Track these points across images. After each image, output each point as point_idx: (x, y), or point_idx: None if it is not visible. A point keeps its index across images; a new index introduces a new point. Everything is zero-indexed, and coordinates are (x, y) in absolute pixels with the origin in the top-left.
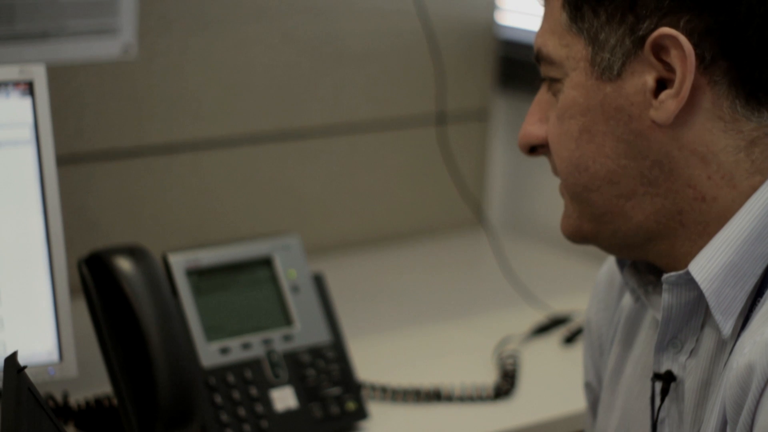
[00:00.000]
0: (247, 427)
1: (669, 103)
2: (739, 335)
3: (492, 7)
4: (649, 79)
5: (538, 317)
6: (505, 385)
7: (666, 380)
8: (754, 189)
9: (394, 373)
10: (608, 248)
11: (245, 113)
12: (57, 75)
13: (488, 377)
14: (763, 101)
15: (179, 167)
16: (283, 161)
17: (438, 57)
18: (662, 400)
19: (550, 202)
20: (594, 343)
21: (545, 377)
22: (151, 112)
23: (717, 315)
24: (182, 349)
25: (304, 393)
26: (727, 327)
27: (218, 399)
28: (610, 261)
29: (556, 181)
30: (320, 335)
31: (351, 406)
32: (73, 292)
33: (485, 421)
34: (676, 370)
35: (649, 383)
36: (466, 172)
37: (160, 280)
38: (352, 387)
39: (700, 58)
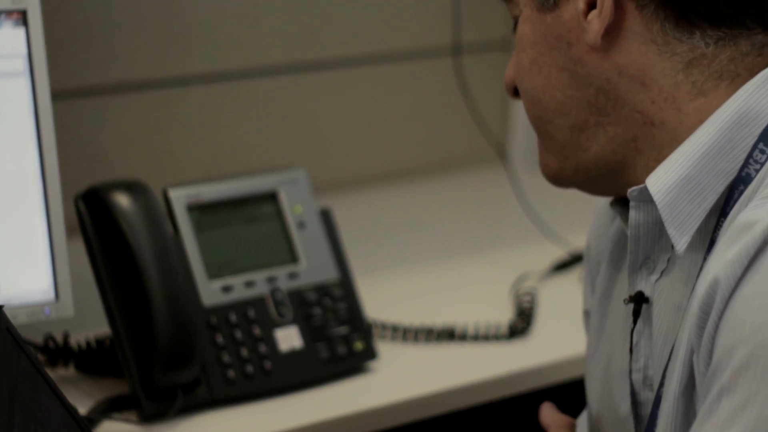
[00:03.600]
0: (249, 367)
1: (594, 23)
2: (707, 259)
3: None
4: (580, 3)
5: (559, 253)
6: (521, 323)
7: (638, 301)
8: (699, 111)
9: (405, 312)
10: (580, 185)
11: (258, 45)
12: (65, 5)
13: (504, 316)
14: (693, 22)
15: (191, 100)
16: (297, 94)
17: None
18: (634, 322)
19: None
20: (592, 270)
21: (563, 316)
22: (164, 44)
23: (670, 229)
24: (181, 287)
25: (310, 332)
26: (681, 242)
27: (220, 339)
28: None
29: None
30: (327, 273)
31: (359, 345)
32: (72, 230)
33: (499, 361)
34: (647, 291)
35: (626, 312)
36: (487, 105)
37: (159, 216)
38: (360, 326)
39: None
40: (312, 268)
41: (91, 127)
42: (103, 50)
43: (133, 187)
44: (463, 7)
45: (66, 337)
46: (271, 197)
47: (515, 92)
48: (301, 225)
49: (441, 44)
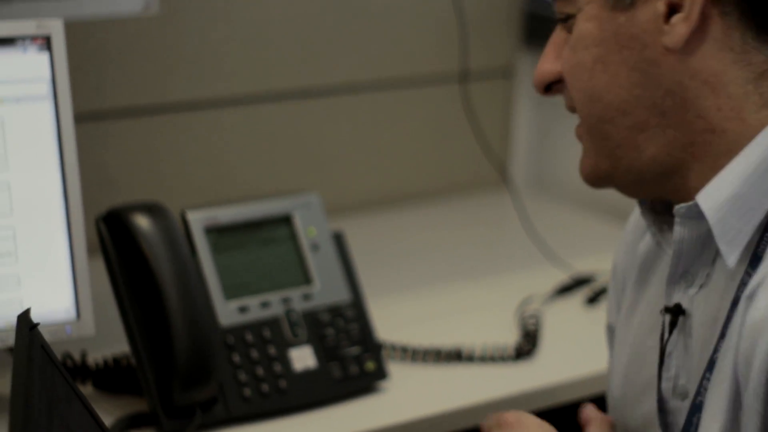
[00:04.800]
0: (265, 386)
1: (680, 26)
2: (748, 272)
3: None
4: (660, 5)
5: (561, 277)
6: (527, 345)
7: (674, 313)
8: (762, 124)
9: (414, 333)
10: (625, 187)
11: (267, 70)
12: (77, 31)
13: (510, 337)
14: None
15: (200, 125)
16: (305, 119)
17: (462, 13)
18: (670, 332)
19: (574, 162)
20: (618, 286)
21: (567, 338)
22: (172, 68)
23: (722, 245)
24: (200, 307)
25: (323, 352)
26: (731, 258)
27: (236, 358)
28: (637, 211)
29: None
30: (340, 294)
31: (370, 366)
32: (91, 250)
33: (506, 381)
34: (685, 304)
35: (661, 319)
36: (490, 130)
37: (178, 238)
38: (371, 347)
39: None
40: (325, 289)
41: (100, 151)
42: (113, 75)
43: (153, 210)
44: (470, 34)
45: (84, 355)
46: (286, 220)
47: (547, 88)
48: (314, 247)
49: (449, 70)
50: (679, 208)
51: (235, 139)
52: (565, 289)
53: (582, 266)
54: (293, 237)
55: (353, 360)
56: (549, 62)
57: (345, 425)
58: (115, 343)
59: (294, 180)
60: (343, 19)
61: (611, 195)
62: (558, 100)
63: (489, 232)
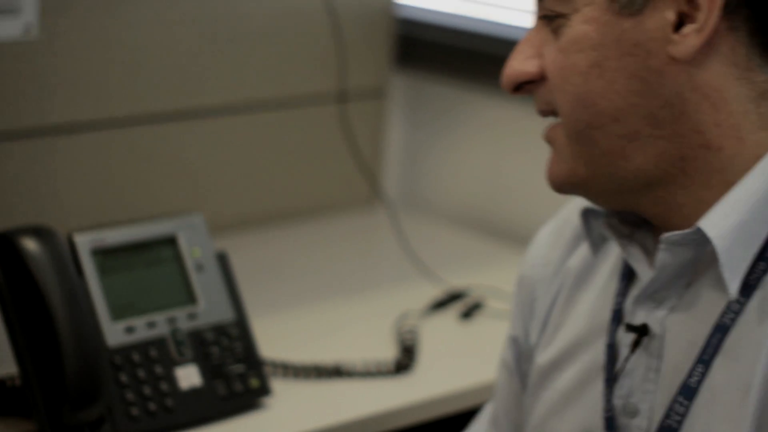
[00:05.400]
0: (152, 405)
1: (692, 37)
2: (739, 301)
3: None
4: (670, 14)
5: (435, 292)
6: (405, 360)
7: (640, 332)
8: (758, 145)
9: (295, 350)
10: (599, 194)
11: (146, 93)
12: None
13: (388, 353)
14: None
15: (81, 147)
16: (184, 141)
17: (338, 36)
18: (633, 351)
19: (445, 180)
20: (525, 299)
21: (444, 352)
22: (53, 92)
23: (726, 274)
24: (88, 328)
25: (209, 371)
26: (733, 287)
27: (124, 378)
28: (555, 223)
29: (454, 159)
30: (224, 313)
31: (254, 383)
32: None
33: (387, 395)
34: (653, 324)
35: (600, 333)
36: (366, 149)
37: (66, 260)
38: (254, 364)
39: (726, 1)
40: (210, 309)
41: None
42: None
43: (40, 232)
44: (347, 57)
45: None
46: (171, 241)
47: (517, 88)
48: (199, 268)
49: (325, 91)
50: (670, 236)
51: (115, 161)
52: (440, 305)
53: (455, 281)
54: (178, 258)
55: (238, 377)
56: (523, 61)
57: None
58: (1, 364)
59: (175, 201)
60: (221, 42)
61: (480, 211)
62: (431, 119)
63: (365, 249)
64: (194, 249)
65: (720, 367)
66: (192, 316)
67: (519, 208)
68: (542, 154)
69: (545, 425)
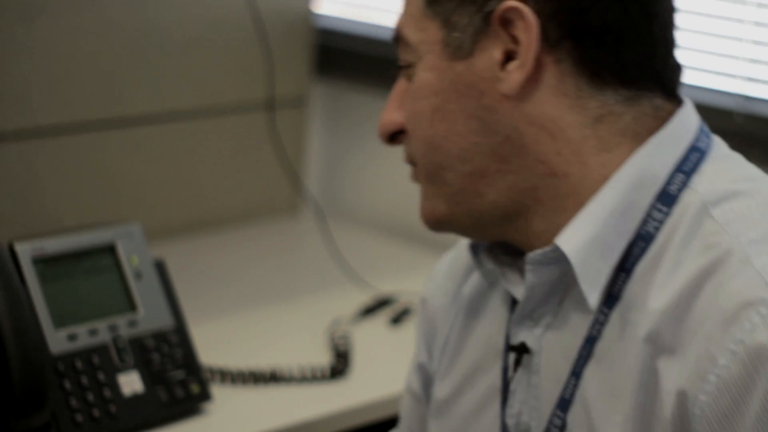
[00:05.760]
0: (96, 411)
1: (515, 73)
2: (604, 312)
3: None
4: (497, 53)
5: (364, 298)
6: (340, 365)
7: (519, 351)
8: (603, 166)
9: (232, 356)
10: (464, 230)
11: (73, 102)
12: None
13: (322, 358)
14: (606, 80)
15: (5, 157)
16: (109, 149)
17: (261, 46)
18: (515, 370)
19: (367, 186)
20: (428, 326)
21: (376, 357)
22: None
23: (584, 285)
24: (33, 336)
25: (150, 377)
26: (592, 298)
27: (67, 385)
28: (454, 252)
29: (374, 166)
30: (163, 320)
31: (195, 388)
32: None
33: (323, 400)
34: (530, 342)
35: (496, 357)
36: (291, 157)
37: (9, 268)
38: (194, 370)
39: (546, 36)
40: (149, 316)
41: None
42: None
43: None
44: (271, 66)
45: None
46: (110, 249)
47: (391, 138)
48: (138, 275)
49: (250, 99)
50: (533, 256)
51: (40, 170)
52: (369, 310)
53: (383, 287)
54: (117, 266)
55: (178, 383)
56: (391, 112)
57: None
58: None
59: (104, 209)
60: (148, 51)
61: (402, 217)
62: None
63: (294, 255)
64: (132, 257)
65: (591, 377)
66: (132, 323)
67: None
68: None
69: None
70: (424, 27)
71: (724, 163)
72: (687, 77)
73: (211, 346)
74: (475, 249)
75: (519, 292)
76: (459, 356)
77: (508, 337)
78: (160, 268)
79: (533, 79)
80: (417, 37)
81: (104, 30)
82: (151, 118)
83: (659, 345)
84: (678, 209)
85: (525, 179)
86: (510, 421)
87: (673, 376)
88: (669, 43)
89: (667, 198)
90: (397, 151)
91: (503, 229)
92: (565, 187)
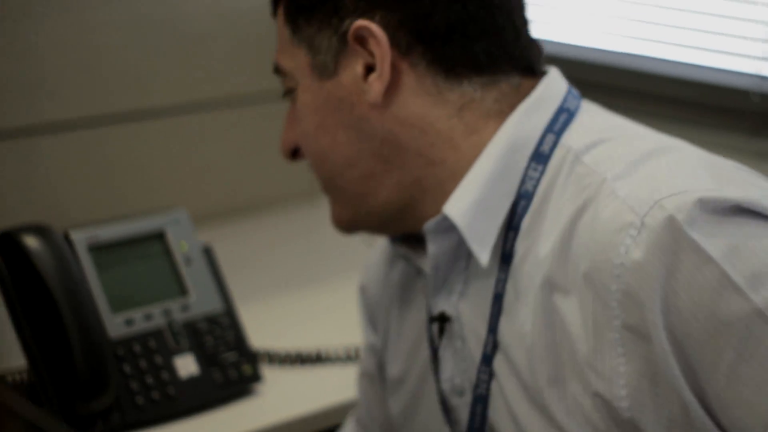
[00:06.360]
0: (155, 393)
1: (376, 83)
2: (503, 270)
3: None
4: (358, 67)
5: None
6: None
7: (440, 320)
8: (474, 146)
9: (276, 338)
10: (371, 229)
11: (102, 94)
12: None
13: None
14: (460, 73)
15: (38, 150)
16: (133, 141)
17: (272, 37)
18: (440, 338)
19: None
20: (369, 310)
21: None
22: (9, 95)
23: (473, 245)
24: (93, 321)
25: (204, 359)
26: (483, 256)
27: (127, 368)
28: (383, 242)
29: None
30: (214, 304)
31: (247, 370)
32: None
33: None
34: (449, 310)
35: (423, 334)
36: None
37: (68, 257)
38: (246, 352)
39: (396, 45)
40: (200, 300)
41: None
42: None
43: (41, 231)
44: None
45: None
46: (160, 236)
47: (293, 155)
48: (187, 261)
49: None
50: (428, 225)
51: (70, 163)
52: None
53: None
54: (167, 252)
55: (232, 365)
56: (287, 133)
57: (231, 426)
58: (9, 360)
59: (129, 201)
60: (165, 44)
61: None
62: None
63: (320, 239)
64: (182, 243)
65: (504, 329)
66: (185, 308)
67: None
68: None
69: (403, 421)
70: (294, 54)
71: (590, 118)
72: (702, 58)
73: (255, 329)
74: (392, 238)
75: (428, 266)
76: (400, 338)
77: (429, 310)
78: (208, 253)
79: (393, 85)
80: (290, 65)
81: (127, 24)
82: (173, 110)
83: (553, 286)
84: (552, 165)
85: (409, 173)
86: (445, 386)
87: (573, 312)
88: (517, 27)
89: (540, 157)
90: None
91: (404, 222)
92: (445, 173)
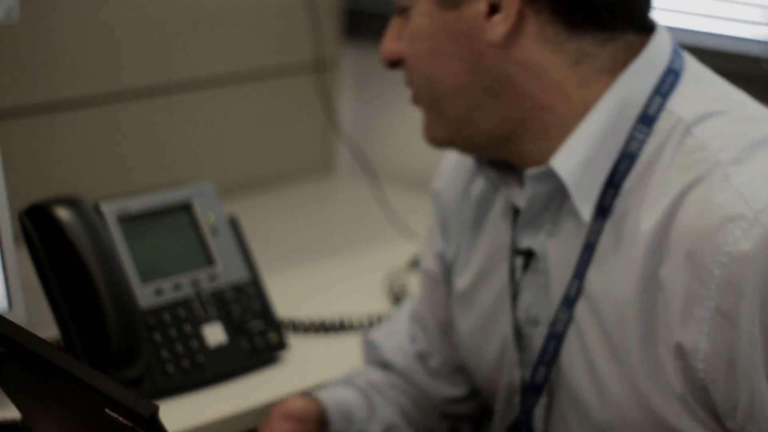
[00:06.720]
0: (185, 362)
1: (500, 25)
2: (598, 222)
3: None
4: (482, 6)
5: (413, 249)
6: None
7: (527, 255)
8: (585, 99)
9: (299, 307)
10: (463, 149)
11: (119, 70)
12: None
13: (384, 305)
14: (580, 26)
15: (59, 126)
16: (156, 115)
17: (295, 12)
18: (524, 271)
19: (400, 146)
20: (441, 217)
21: None
22: (30, 73)
23: (577, 202)
24: (125, 291)
25: (232, 328)
26: (585, 212)
27: (157, 337)
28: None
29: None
30: (240, 273)
31: (274, 338)
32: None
33: None
34: (536, 247)
35: (503, 258)
36: (349, 120)
37: (99, 228)
38: (271, 321)
39: None
40: (227, 269)
41: None
42: None
43: (73, 202)
44: (296, 32)
45: None
46: (186, 207)
47: (392, 65)
48: (214, 231)
49: (303, 61)
50: (531, 171)
51: (95, 137)
52: (418, 261)
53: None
54: (194, 223)
55: (258, 334)
56: (390, 42)
57: (259, 393)
58: (41, 330)
59: (148, 176)
60: (187, 19)
61: (428, 174)
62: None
63: (336, 211)
64: (208, 214)
65: (593, 278)
66: (212, 277)
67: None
68: None
69: (471, 339)
70: None
71: (699, 83)
72: (713, 26)
73: (279, 298)
74: (480, 159)
75: (519, 200)
76: (473, 251)
77: (513, 242)
78: (234, 224)
79: (516, 29)
80: None
81: (152, 1)
82: (190, 86)
83: (657, 256)
84: (659, 130)
85: (515, 112)
86: (521, 316)
87: (672, 281)
88: None
89: (646, 119)
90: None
91: (497, 150)
92: (552, 119)
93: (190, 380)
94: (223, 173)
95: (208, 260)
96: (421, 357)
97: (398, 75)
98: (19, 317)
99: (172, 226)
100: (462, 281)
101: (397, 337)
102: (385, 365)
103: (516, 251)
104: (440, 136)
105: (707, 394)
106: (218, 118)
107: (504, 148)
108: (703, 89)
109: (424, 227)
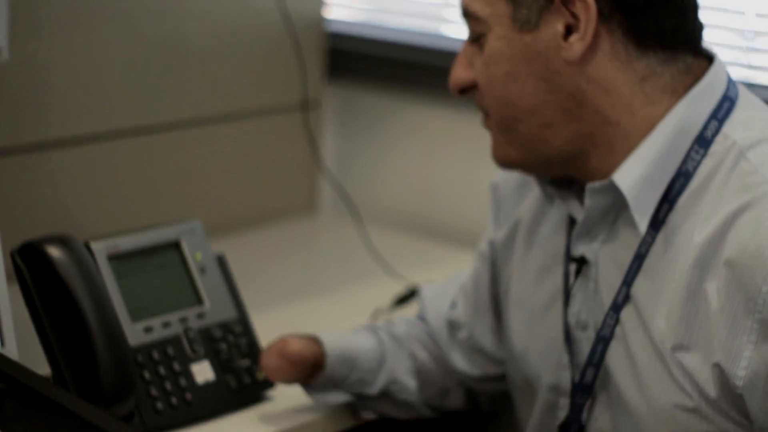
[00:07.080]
0: (174, 399)
1: (577, 44)
2: (651, 233)
3: (319, 2)
4: (560, 27)
5: (398, 288)
6: None
7: (580, 262)
8: (649, 117)
9: None
10: (533, 170)
11: (108, 110)
12: None
13: None
14: (649, 46)
15: (50, 165)
16: (143, 154)
17: (280, 53)
18: (576, 277)
19: (383, 184)
20: (497, 207)
21: None
22: (22, 111)
23: (635, 215)
24: (116, 329)
25: (219, 366)
26: (642, 225)
27: (147, 375)
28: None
29: (386, 165)
30: (227, 312)
31: (260, 375)
32: None
33: None
34: (589, 255)
35: (557, 263)
36: (333, 159)
37: (91, 266)
38: (258, 358)
39: (600, 12)
40: (215, 308)
41: None
42: None
43: (64, 241)
44: (282, 71)
45: None
46: (175, 246)
47: (461, 92)
48: (202, 270)
49: (288, 101)
50: (592, 186)
51: (81, 177)
52: (403, 299)
53: (415, 278)
54: (183, 261)
55: (245, 371)
56: (461, 71)
57: (247, 431)
58: (32, 368)
59: (131, 216)
60: (176, 60)
61: (415, 213)
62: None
63: (319, 251)
64: (196, 253)
65: (640, 286)
66: (200, 316)
67: (451, 208)
68: (471, 154)
69: (519, 339)
70: (491, 3)
71: (753, 110)
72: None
73: (266, 336)
74: (539, 179)
75: (577, 212)
76: (528, 256)
77: (568, 249)
78: (221, 263)
79: (591, 47)
80: (485, 12)
81: (134, 41)
82: (180, 124)
83: (704, 269)
84: (714, 152)
85: (585, 127)
86: (571, 319)
87: (715, 293)
88: (695, 8)
89: (702, 141)
90: (408, 149)
91: (566, 168)
92: (618, 134)
93: (178, 417)
94: (211, 211)
95: (197, 299)
96: (452, 325)
97: (381, 114)
98: (11, 355)
99: (161, 265)
100: (518, 287)
101: (441, 299)
102: (422, 318)
103: (571, 258)
104: (511, 157)
105: (743, 402)
106: (205, 157)
107: (572, 164)
108: (756, 116)
109: (408, 266)
